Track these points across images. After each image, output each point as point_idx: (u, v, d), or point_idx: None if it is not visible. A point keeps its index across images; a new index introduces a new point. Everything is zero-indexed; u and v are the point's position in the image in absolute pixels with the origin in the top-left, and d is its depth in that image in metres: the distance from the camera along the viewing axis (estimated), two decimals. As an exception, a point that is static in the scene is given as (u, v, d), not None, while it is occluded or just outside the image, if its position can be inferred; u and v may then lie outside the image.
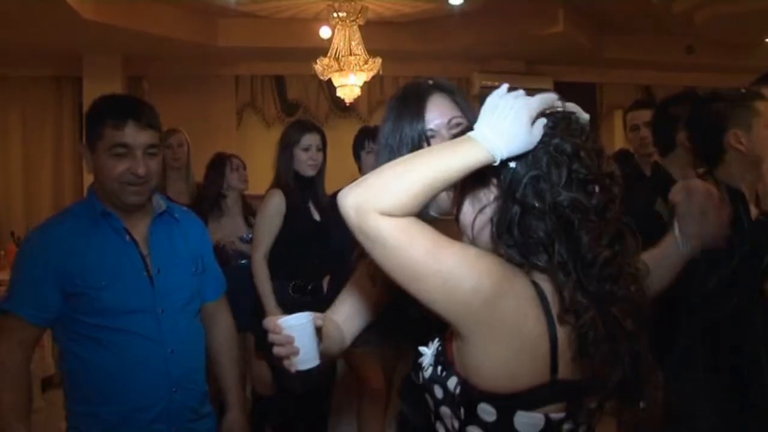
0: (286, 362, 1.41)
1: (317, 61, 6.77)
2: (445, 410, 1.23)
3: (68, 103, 9.05)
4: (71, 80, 8.86)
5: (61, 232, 1.97)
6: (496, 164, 1.17)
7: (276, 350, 1.41)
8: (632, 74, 9.36)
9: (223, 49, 8.21)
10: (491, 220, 1.21)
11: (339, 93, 7.04)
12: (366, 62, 6.66)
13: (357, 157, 3.94)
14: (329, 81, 7.10)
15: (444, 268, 1.11)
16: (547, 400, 1.15)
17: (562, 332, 1.14)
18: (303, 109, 9.11)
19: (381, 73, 6.91)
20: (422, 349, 1.31)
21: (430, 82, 1.80)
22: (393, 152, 1.66)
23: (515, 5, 7.45)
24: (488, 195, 1.24)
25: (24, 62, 8.56)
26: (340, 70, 6.67)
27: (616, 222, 1.19)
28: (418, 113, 1.70)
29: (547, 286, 1.17)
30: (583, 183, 1.17)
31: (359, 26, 6.78)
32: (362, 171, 3.82)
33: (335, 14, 6.65)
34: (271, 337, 1.42)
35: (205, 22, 7.98)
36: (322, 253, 3.66)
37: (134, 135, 1.79)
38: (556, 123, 1.23)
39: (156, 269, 2.00)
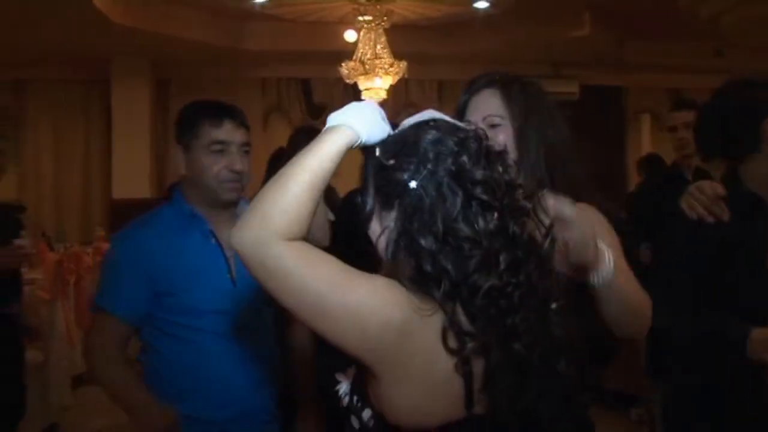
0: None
1: (343, 64, 6.80)
2: None
3: (97, 105, 9.19)
4: (100, 83, 9.00)
5: (151, 235, 2.02)
6: (356, 144, 1.19)
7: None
8: (659, 78, 9.24)
9: (250, 52, 8.29)
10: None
11: (364, 96, 7.06)
12: (391, 65, 6.68)
13: None
14: (355, 84, 7.13)
15: (351, 300, 1.06)
16: None
17: (477, 366, 1.08)
18: (328, 111, 9.12)
19: (406, 76, 6.93)
20: (339, 376, 1.25)
21: (497, 76, 1.71)
22: None
23: (540, 8, 7.44)
24: (391, 216, 1.17)
25: (54, 66, 8.71)
26: (366, 73, 6.70)
27: (525, 253, 1.12)
28: (460, 111, 1.69)
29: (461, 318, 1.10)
30: (482, 211, 1.10)
31: (385, 29, 6.81)
32: None
33: (361, 18, 6.69)
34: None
35: (231, 25, 8.06)
36: (336, 251, 3.68)
37: (231, 132, 1.87)
38: (462, 143, 1.15)
39: (238, 271, 2.03)
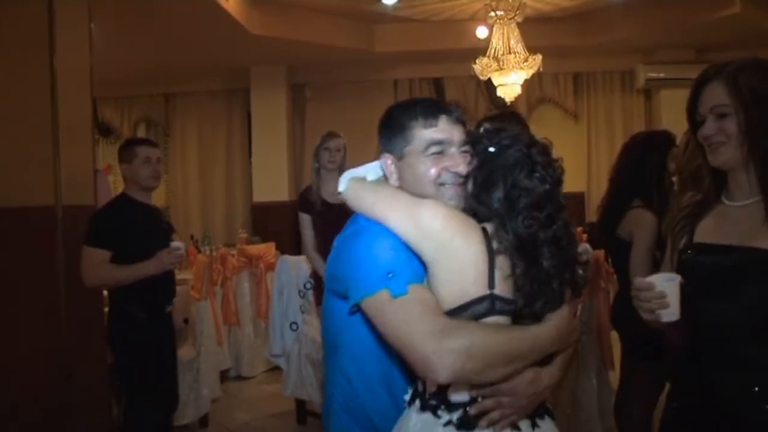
0: (652, 315, 1.61)
1: (476, 61, 6.70)
2: None
3: (238, 113, 9.62)
4: (240, 92, 9.41)
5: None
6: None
7: (646, 306, 1.61)
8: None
9: (381, 54, 8.37)
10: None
11: (499, 92, 6.93)
12: (526, 60, 6.51)
13: None
14: (488, 81, 7.01)
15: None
16: (491, 310, 1.44)
17: (499, 259, 1.45)
18: (462, 110, 9.06)
19: (541, 70, 6.73)
20: None
21: (725, 65, 1.70)
22: None
23: (683, -12, 7.04)
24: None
25: (199, 78, 9.21)
26: (500, 69, 6.57)
27: (552, 206, 1.51)
28: (692, 102, 1.73)
29: (489, 228, 1.49)
30: (532, 177, 1.49)
31: (517, 24, 6.65)
32: None
33: (493, 13, 6.56)
34: (644, 295, 1.60)
35: (362, 28, 8.18)
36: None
37: (450, 131, 1.61)
38: (533, 143, 1.55)
39: None
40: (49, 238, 3.65)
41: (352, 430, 1.67)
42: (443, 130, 1.60)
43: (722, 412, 1.62)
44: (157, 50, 7.75)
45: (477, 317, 1.45)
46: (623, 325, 3.23)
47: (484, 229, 1.50)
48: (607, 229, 3.17)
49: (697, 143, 1.76)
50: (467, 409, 1.48)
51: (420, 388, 1.54)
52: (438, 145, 1.59)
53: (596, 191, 8.56)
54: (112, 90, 9.09)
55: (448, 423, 1.47)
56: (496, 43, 6.64)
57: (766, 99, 1.61)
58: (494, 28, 6.73)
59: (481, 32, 7.16)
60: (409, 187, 1.62)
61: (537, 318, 1.50)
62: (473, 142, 1.57)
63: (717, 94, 1.65)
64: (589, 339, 4.12)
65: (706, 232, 1.72)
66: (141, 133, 9.66)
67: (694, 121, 1.73)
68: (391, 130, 1.66)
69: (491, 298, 1.45)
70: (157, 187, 3.59)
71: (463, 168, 1.57)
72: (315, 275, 4.23)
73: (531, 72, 6.64)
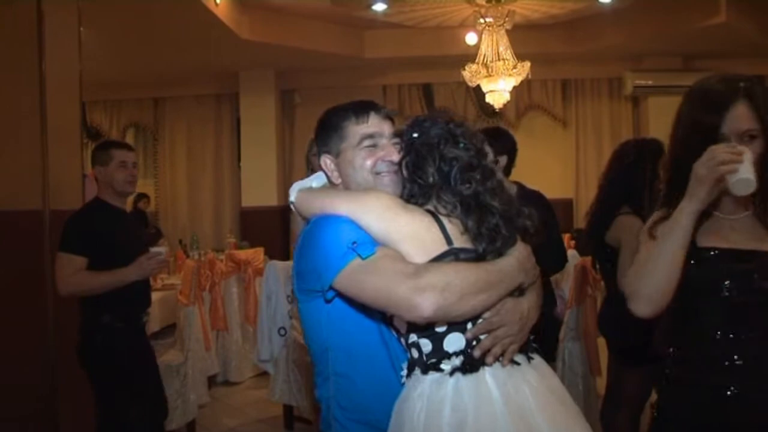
0: (730, 174, 1.56)
1: (465, 67, 6.74)
2: None
3: (227, 118, 9.62)
4: (229, 97, 9.41)
5: None
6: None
7: (725, 167, 1.55)
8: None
9: (371, 60, 8.40)
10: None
11: (488, 99, 6.97)
12: (515, 67, 6.56)
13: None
14: (477, 87, 7.05)
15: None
16: (457, 259, 1.54)
17: (446, 223, 1.58)
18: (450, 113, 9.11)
19: (529, 77, 6.77)
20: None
21: (741, 84, 1.70)
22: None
23: (670, -3, 7.09)
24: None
25: (189, 83, 9.20)
26: (489, 75, 6.61)
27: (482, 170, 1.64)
28: (713, 127, 1.68)
29: (430, 206, 1.62)
30: (457, 147, 1.63)
31: (506, 31, 6.69)
32: None
33: (482, 20, 6.61)
34: (723, 152, 1.56)
35: (352, 34, 8.21)
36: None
37: (380, 125, 1.75)
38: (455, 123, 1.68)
39: None
40: (36, 242, 3.62)
41: (358, 430, 1.67)
42: (373, 124, 1.73)
43: None
44: (147, 54, 7.74)
45: None
46: (611, 331, 3.25)
47: (428, 211, 1.62)
48: (595, 235, 3.19)
49: (687, 155, 1.69)
50: (467, 352, 1.54)
51: (415, 354, 1.58)
52: (370, 138, 1.72)
53: (584, 198, 8.61)
54: (101, 93, 9.07)
55: (454, 371, 1.52)
56: (485, 49, 6.68)
57: None
58: (483, 35, 6.78)
59: (471, 39, 7.20)
60: (349, 180, 1.75)
61: (499, 256, 1.61)
62: (400, 133, 1.71)
63: (748, 117, 1.65)
64: (576, 345, 4.14)
65: (711, 238, 1.71)
66: (130, 137, 9.65)
67: (700, 136, 1.68)
68: (326, 132, 1.79)
69: (453, 251, 1.55)
70: (133, 193, 3.46)
71: (395, 156, 1.70)
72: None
73: (520, 79, 6.69)
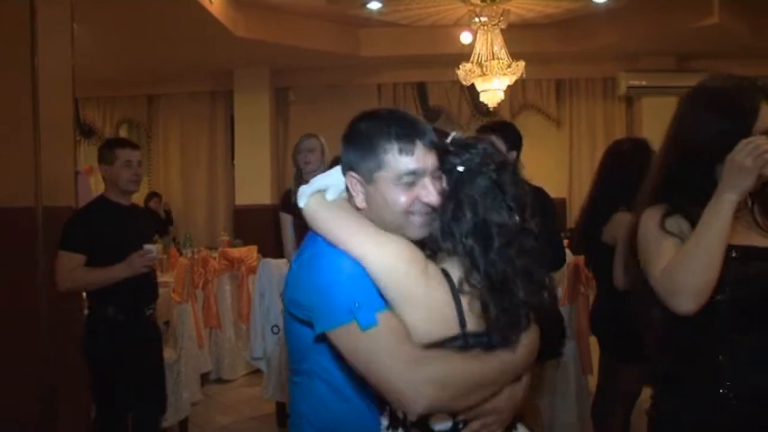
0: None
1: (460, 66, 6.75)
2: None
3: (221, 115, 9.60)
4: (224, 94, 9.40)
5: None
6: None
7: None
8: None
9: (366, 58, 8.40)
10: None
11: (482, 98, 6.99)
12: (509, 66, 6.57)
13: None
14: (471, 86, 7.06)
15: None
16: (465, 347, 1.42)
17: (464, 300, 1.43)
18: (445, 115, 9.15)
19: (524, 76, 6.79)
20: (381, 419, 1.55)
21: (759, 84, 1.73)
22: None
23: (664, -2, 7.12)
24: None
25: (183, 80, 9.19)
26: (483, 74, 6.62)
27: (525, 239, 1.49)
28: (751, 117, 1.69)
29: (449, 269, 1.46)
30: (501, 209, 1.46)
31: (501, 30, 6.70)
32: None
33: (477, 19, 6.62)
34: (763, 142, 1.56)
35: (347, 33, 8.20)
36: None
37: (425, 158, 1.52)
38: (503, 167, 1.51)
39: None
40: (29, 239, 3.61)
41: None
42: (418, 158, 1.49)
43: None
44: (141, 51, 7.72)
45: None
46: (604, 328, 3.26)
47: (444, 271, 1.47)
48: (589, 234, 3.19)
49: (697, 159, 1.72)
50: (454, 429, 1.47)
51: (401, 415, 1.50)
52: (412, 175, 1.49)
53: (578, 197, 8.62)
54: (95, 90, 9.05)
55: None
56: (480, 48, 6.70)
57: None
58: (478, 34, 6.79)
59: (465, 38, 7.20)
60: (375, 210, 1.53)
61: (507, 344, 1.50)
62: (442, 158, 1.51)
63: None
64: (569, 344, 4.15)
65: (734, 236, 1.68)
66: (123, 134, 9.61)
67: (723, 141, 1.66)
68: (360, 149, 1.53)
69: (464, 336, 1.43)
70: (137, 191, 3.55)
71: (434, 198, 1.50)
72: (296, 278, 4.21)
73: (514, 78, 6.70)
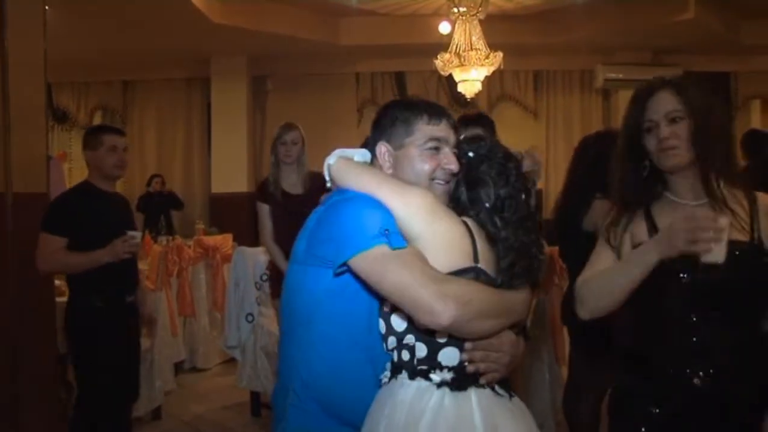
0: (699, 248, 1.65)
1: (438, 56, 6.74)
2: None
3: (197, 103, 9.52)
4: (200, 81, 9.31)
5: None
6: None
7: (705, 236, 1.63)
8: (774, 60, 8.73)
9: (344, 47, 8.35)
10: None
11: (460, 88, 6.99)
12: (487, 57, 6.57)
13: None
14: (449, 76, 7.06)
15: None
16: (476, 280, 1.55)
17: (478, 244, 1.60)
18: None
19: (502, 67, 6.80)
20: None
21: (670, 79, 1.92)
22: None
23: (642, -8, 7.17)
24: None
25: (159, 67, 9.09)
26: (461, 65, 6.62)
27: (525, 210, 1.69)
28: (638, 111, 1.90)
29: (469, 222, 1.65)
30: (510, 186, 1.67)
31: (480, 21, 6.70)
32: None
33: (456, 9, 6.60)
34: (706, 224, 1.64)
35: (326, 21, 8.16)
36: None
37: (448, 132, 1.75)
38: (509, 157, 1.74)
39: None
40: (-2, 225, 3.56)
41: (312, 410, 1.64)
42: (443, 129, 1.72)
43: None
44: (116, 35, 7.60)
45: None
46: (573, 320, 3.28)
47: (464, 221, 1.64)
48: (567, 223, 3.21)
49: (626, 153, 1.91)
50: (459, 369, 1.55)
51: (405, 357, 1.57)
52: (437, 141, 1.70)
53: (554, 189, 8.64)
54: (69, 75, 8.93)
55: (442, 384, 1.53)
56: (458, 39, 6.69)
57: (708, 109, 1.82)
58: (456, 25, 6.78)
59: (444, 28, 7.18)
60: (401, 176, 1.71)
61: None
62: (457, 146, 1.73)
63: (669, 102, 1.82)
64: (543, 334, 4.19)
65: None
66: (97, 120, 9.49)
67: (637, 130, 1.88)
68: (392, 122, 1.74)
69: (476, 270, 1.56)
70: (122, 176, 3.53)
71: (455, 166, 1.70)
72: (272, 266, 4.20)
73: (492, 69, 6.71)
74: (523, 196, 1.68)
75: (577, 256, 3.18)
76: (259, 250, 4.67)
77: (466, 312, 1.46)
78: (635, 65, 8.53)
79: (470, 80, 6.75)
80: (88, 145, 3.36)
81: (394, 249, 1.50)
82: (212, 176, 9.04)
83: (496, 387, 1.60)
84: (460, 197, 1.70)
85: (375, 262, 1.50)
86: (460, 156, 1.71)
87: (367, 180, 1.65)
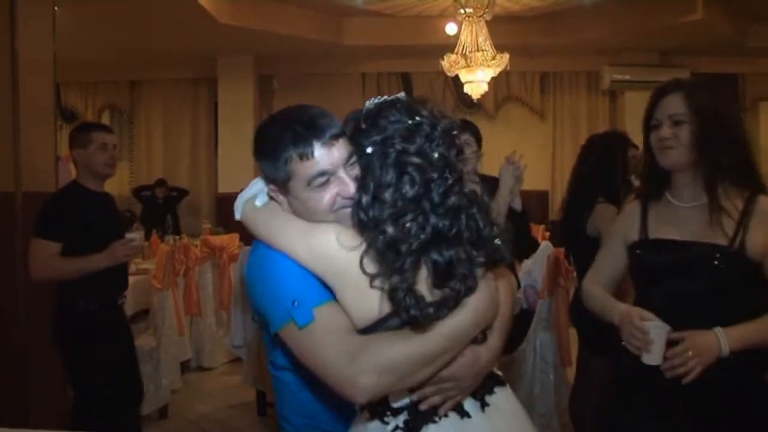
0: (636, 351, 1.80)
1: (444, 57, 6.75)
2: None
3: (204, 102, 9.55)
4: (207, 81, 9.34)
5: None
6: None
7: (635, 344, 1.80)
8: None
9: (350, 47, 8.37)
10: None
11: (466, 89, 6.99)
12: (493, 58, 6.57)
13: None
14: (455, 77, 7.07)
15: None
16: (406, 322, 1.38)
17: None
18: (430, 104, 9.13)
19: (508, 68, 6.80)
20: None
21: (682, 81, 1.99)
22: None
23: (649, -7, 7.16)
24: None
25: (166, 67, 9.13)
26: (468, 66, 6.62)
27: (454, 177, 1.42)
28: (649, 110, 1.99)
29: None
30: (414, 184, 1.38)
31: (486, 22, 6.71)
32: None
33: (462, 10, 6.61)
34: (638, 336, 1.79)
35: (332, 21, 8.18)
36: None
37: (328, 156, 1.48)
38: (418, 125, 1.42)
39: None
40: (7, 225, 3.58)
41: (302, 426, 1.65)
42: (320, 158, 1.44)
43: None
44: (124, 36, 7.65)
45: (393, 329, 1.42)
46: (582, 320, 3.29)
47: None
48: (573, 225, 3.22)
49: (645, 146, 2.01)
50: (411, 408, 1.46)
51: None
52: (321, 176, 1.45)
53: (560, 189, 8.68)
54: (77, 75, 8.97)
55: (396, 429, 1.46)
56: (465, 40, 6.69)
57: (715, 113, 1.88)
58: (463, 26, 6.78)
59: (450, 29, 7.20)
60: (304, 217, 1.51)
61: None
62: (355, 142, 1.46)
63: (675, 104, 1.90)
64: (548, 335, 4.19)
65: (661, 230, 1.96)
66: (105, 119, 9.55)
67: (648, 125, 1.98)
68: (268, 159, 1.51)
69: (397, 314, 1.39)
70: (112, 176, 3.40)
71: (351, 188, 1.45)
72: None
73: (498, 70, 6.71)
74: (436, 155, 1.39)
75: (583, 259, 3.20)
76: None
77: (385, 382, 1.37)
78: (642, 66, 8.53)
79: (476, 81, 6.76)
80: (76, 143, 3.23)
81: (302, 327, 1.39)
82: (219, 176, 9.06)
83: (463, 406, 1.48)
84: (361, 219, 1.42)
85: (287, 339, 1.44)
86: (358, 156, 1.45)
87: (267, 233, 1.51)
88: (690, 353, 1.72)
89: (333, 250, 1.40)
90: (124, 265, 3.40)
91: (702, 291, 1.83)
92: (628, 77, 8.60)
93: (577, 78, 9.28)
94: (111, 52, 8.35)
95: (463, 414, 1.47)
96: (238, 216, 1.62)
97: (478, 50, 6.59)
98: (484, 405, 1.50)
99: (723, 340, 1.73)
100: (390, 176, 1.39)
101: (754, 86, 9.11)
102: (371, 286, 1.37)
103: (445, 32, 7.30)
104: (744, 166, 1.90)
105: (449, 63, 6.70)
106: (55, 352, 3.24)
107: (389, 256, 1.36)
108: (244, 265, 4.93)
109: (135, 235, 3.23)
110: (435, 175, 1.39)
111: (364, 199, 1.39)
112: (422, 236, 1.37)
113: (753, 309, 1.81)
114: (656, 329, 1.77)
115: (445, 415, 1.46)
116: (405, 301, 1.35)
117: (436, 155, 1.40)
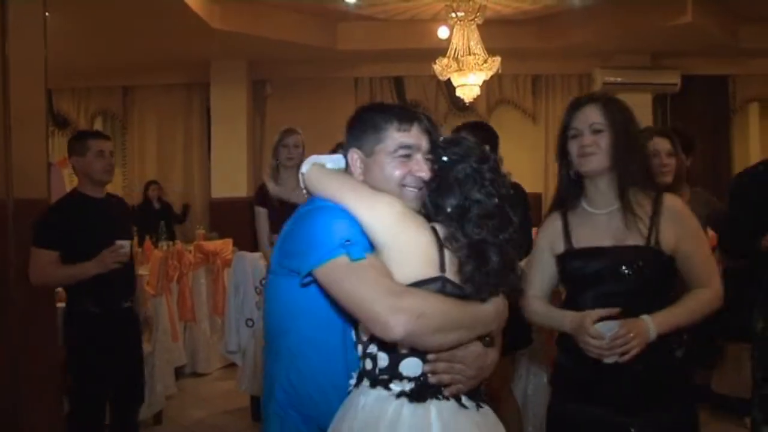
0: (596, 356, 1.96)
1: (436, 61, 6.77)
2: None
3: (197, 108, 9.55)
4: (200, 86, 9.34)
5: None
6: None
7: (595, 351, 1.95)
8: (773, 64, 8.76)
9: (343, 52, 8.38)
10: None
11: (458, 92, 7.01)
12: (485, 61, 6.59)
13: None
14: (448, 81, 7.08)
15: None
16: (442, 291, 1.54)
17: (446, 253, 1.56)
18: (422, 109, 9.14)
19: (500, 72, 6.82)
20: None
21: (596, 95, 2.18)
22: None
23: (640, -4, 7.19)
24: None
25: (159, 72, 9.11)
26: (459, 69, 6.64)
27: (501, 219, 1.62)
28: (567, 120, 2.15)
29: (438, 228, 1.60)
30: (481, 191, 1.60)
31: (478, 25, 6.73)
32: None
33: (454, 14, 6.63)
34: (594, 342, 1.95)
35: (325, 26, 8.18)
36: None
37: (419, 137, 1.72)
38: (484, 159, 1.65)
39: None
40: (-1, 231, 3.57)
41: (292, 418, 1.68)
42: (414, 135, 1.69)
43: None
44: (116, 41, 7.65)
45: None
46: None
47: (433, 228, 1.60)
48: None
49: (560, 157, 2.18)
50: (421, 380, 1.54)
51: (368, 366, 1.58)
52: (407, 148, 1.68)
53: (553, 192, 8.68)
54: (69, 81, 8.95)
55: (401, 394, 1.53)
56: (457, 44, 6.71)
57: (626, 124, 2.06)
58: (455, 29, 6.80)
59: (443, 33, 7.21)
60: (372, 183, 1.69)
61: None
62: (433, 148, 1.69)
63: (594, 115, 2.07)
64: (541, 337, 4.20)
65: (584, 237, 2.13)
66: (98, 125, 9.53)
67: (565, 136, 2.13)
68: (362, 128, 1.73)
69: (443, 279, 1.54)
70: (110, 181, 3.52)
71: (426, 174, 1.67)
72: (271, 271, 4.20)
73: (490, 73, 6.73)
74: (496, 200, 1.61)
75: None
76: (259, 255, 4.68)
77: (420, 326, 1.45)
78: (633, 69, 8.56)
79: (469, 85, 6.78)
80: (74, 151, 3.37)
81: (354, 260, 1.50)
82: (212, 181, 9.06)
83: (463, 398, 1.59)
84: (429, 202, 1.66)
85: (333, 272, 1.51)
86: (435, 160, 1.68)
87: (336, 188, 1.66)
88: (631, 335, 1.90)
89: (394, 214, 1.57)
90: (131, 270, 3.51)
91: (628, 290, 2.01)
92: (620, 80, 8.62)
93: (569, 81, 9.31)
94: (103, 58, 8.33)
95: (461, 406, 1.58)
96: (304, 169, 1.75)
97: (469, 54, 6.61)
98: (479, 407, 1.62)
99: (651, 325, 1.93)
100: (468, 179, 1.62)
101: (744, 87, 9.14)
102: (446, 246, 1.57)
103: (437, 36, 7.31)
104: (646, 172, 2.12)
105: (441, 67, 6.72)
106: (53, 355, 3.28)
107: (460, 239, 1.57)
108: (237, 270, 4.94)
109: (125, 242, 3.27)
110: (503, 191, 1.64)
111: (440, 191, 1.64)
112: (493, 239, 1.59)
113: (670, 298, 2.03)
114: (609, 331, 1.93)
115: (447, 399, 1.56)
116: (474, 279, 1.55)
117: (498, 177, 1.65)
